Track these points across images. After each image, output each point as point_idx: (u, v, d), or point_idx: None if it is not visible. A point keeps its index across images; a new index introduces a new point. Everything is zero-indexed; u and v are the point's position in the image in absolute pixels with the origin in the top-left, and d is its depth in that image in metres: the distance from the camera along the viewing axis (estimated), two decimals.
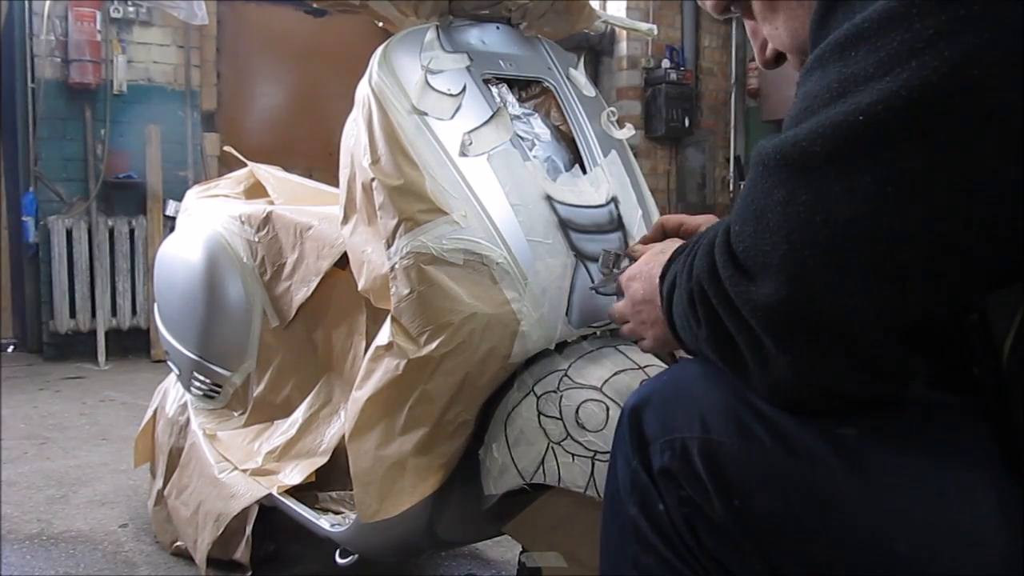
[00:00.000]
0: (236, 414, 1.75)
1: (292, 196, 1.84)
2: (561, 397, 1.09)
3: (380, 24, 1.37)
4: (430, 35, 1.24)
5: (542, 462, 1.07)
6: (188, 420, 1.80)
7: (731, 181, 5.66)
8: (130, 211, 4.17)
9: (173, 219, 2.04)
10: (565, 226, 1.17)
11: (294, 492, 1.47)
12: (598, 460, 1.03)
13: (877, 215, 0.54)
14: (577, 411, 1.07)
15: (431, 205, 1.12)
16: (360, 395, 1.18)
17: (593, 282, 1.16)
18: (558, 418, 1.08)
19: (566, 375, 1.12)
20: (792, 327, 0.59)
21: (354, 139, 1.23)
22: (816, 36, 0.61)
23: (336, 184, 1.31)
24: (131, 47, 4.15)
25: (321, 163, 4.12)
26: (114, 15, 4.06)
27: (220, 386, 1.75)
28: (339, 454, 1.42)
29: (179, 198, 2.10)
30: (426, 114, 1.17)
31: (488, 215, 1.13)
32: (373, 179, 1.16)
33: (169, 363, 1.92)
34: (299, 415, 1.58)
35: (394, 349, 1.14)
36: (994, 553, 0.57)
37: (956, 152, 0.52)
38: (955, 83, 0.51)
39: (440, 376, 1.11)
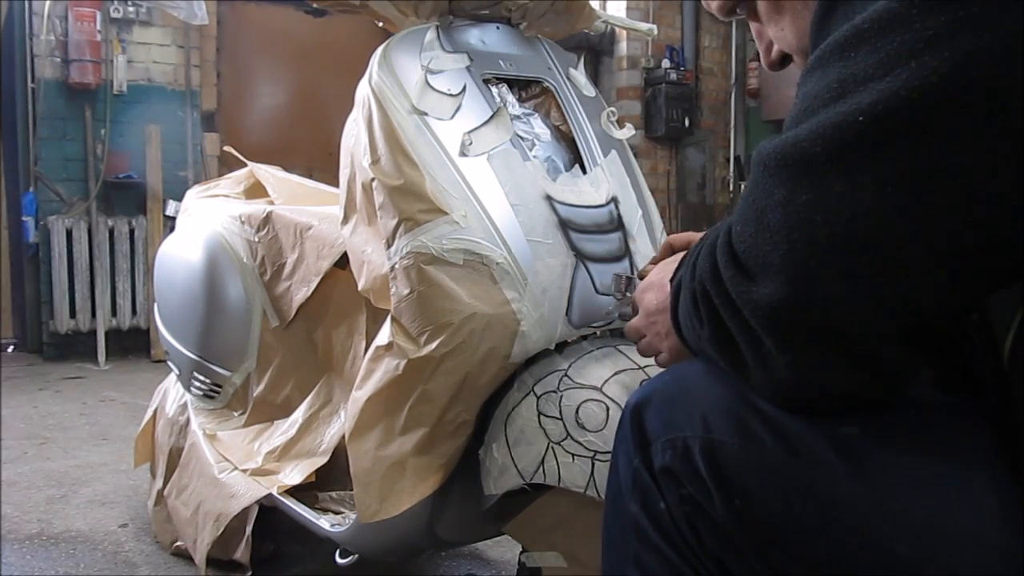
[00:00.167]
0: (236, 414, 1.75)
1: (292, 196, 1.84)
2: (561, 397, 1.09)
3: (380, 24, 1.37)
4: (430, 35, 1.24)
5: (542, 462, 1.07)
6: (188, 420, 1.80)
7: (731, 181, 5.67)
8: (130, 211, 4.17)
9: (173, 219, 2.04)
10: (565, 226, 1.17)
11: (294, 492, 1.47)
12: (598, 460, 1.03)
13: (877, 215, 0.54)
14: (577, 411, 1.07)
15: (431, 205, 1.12)
16: (360, 395, 1.18)
17: (594, 282, 1.16)
18: (558, 418, 1.08)
19: (566, 375, 1.12)
20: (793, 327, 0.59)
21: (354, 139, 1.23)
22: (816, 37, 0.61)
23: (336, 184, 1.31)
24: (131, 47, 4.15)
25: (321, 163, 4.12)
26: (114, 15, 4.06)
27: (220, 386, 1.75)
28: (339, 454, 1.42)
29: (179, 198, 2.10)
30: (426, 114, 1.17)
31: (488, 215, 1.13)
32: (373, 179, 1.16)
33: (169, 363, 1.92)
34: (299, 415, 1.58)
35: (394, 349, 1.14)
36: (994, 553, 0.57)
37: (956, 152, 0.52)
38: (955, 83, 0.51)
39: (440, 376, 1.11)
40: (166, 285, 1.91)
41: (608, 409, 1.07)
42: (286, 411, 1.63)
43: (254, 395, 1.70)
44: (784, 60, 0.79)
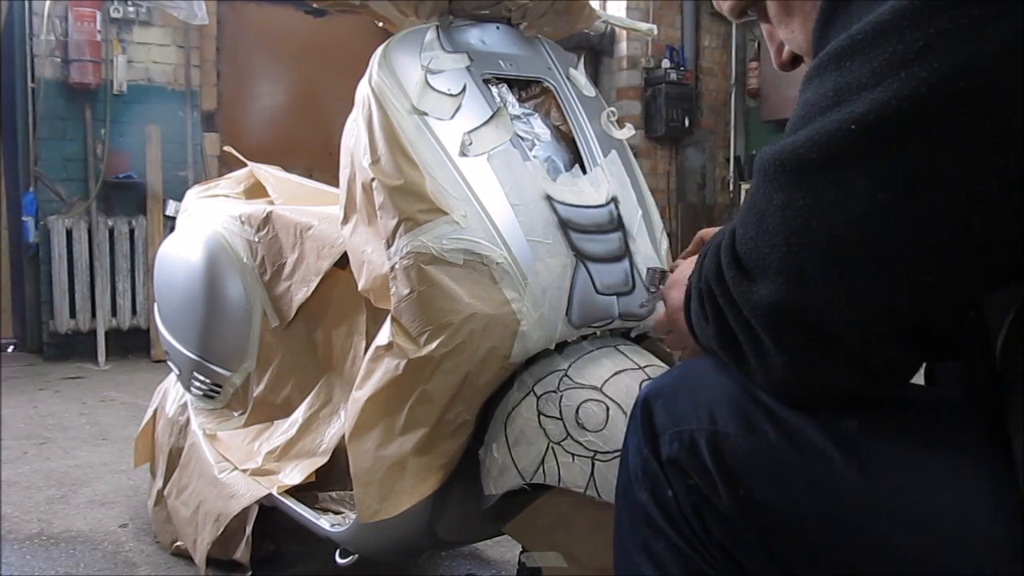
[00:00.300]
0: (236, 414, 1.75)
1: (292, 196, 1.84)
2: (561, 397, 1.09)
3: (380, 24, 1.37)
4: (430, 35, 1.24)
5: (542, 462, 1.07)
6: (188, 420, 1.80)
7: (731, 181, 5.67)
8: (130, 211, 4.17)
9: (173, 219, 2.04)
10: (565, 226, 1.17)
11: (294, 492, 1.47)
12: (598, 460, 1.03)
13: (870, 220, 0.56)
14: (577, 411, 1.07)
15: (431, 205, 1.12)
16: (360, 395, 1.18)
17: (594, 282, 1.16)
18: (558, 418, 1.08)
19: (566, 375, 1.12)
20: (790, 327, 0.61)
21: (354, 139, 1.23)
22: (817, 45, 0.64)
23: (336, 184, 1.31)
24: (131, 47, 4.15)
25: (321, 163, 4.12)
26: (114, 15, 4.06)
27: (220, 386, 1.75)
28: (339, 454, 1.42)
29: (179, 198, 2.10)
30: (426, 114, 1.17)
31: (488, 215, 1.13)
32: (373, 179, 1.16)
33: (169, 363, 1.92)
34: (299, 415, 1.58)
35: (394, 349, 1.14)
36: (987, 545, 0.59)
37: (944, 159, 0.54)
38: (943, 93, 0.53)
39: (440, 376, 1.11)
40: (166, 285, 1.91)
41: (608, 409, 1.07)
42: (286, 411, 1.63)
43: (254, 395, 1.70)
44: (795, 60, 0.81)
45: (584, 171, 1.26)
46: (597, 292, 1.17)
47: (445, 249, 1.11)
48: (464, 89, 1.20)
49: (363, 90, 1.22)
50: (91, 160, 4.04)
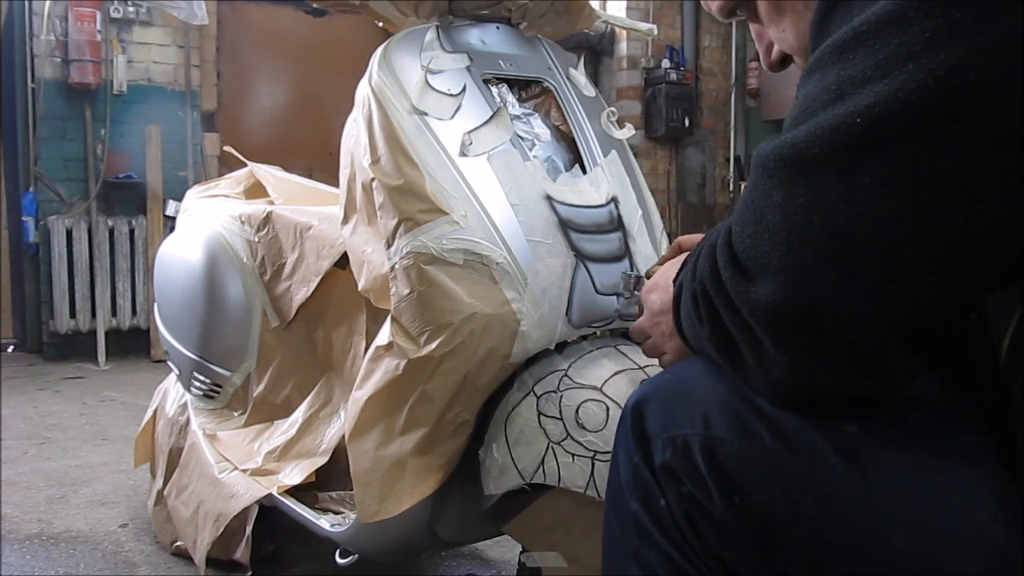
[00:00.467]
0: (236, 414, 1.75)
1: (292, 196, 1.84)
2: (561, 397, 1.09)
3: (380, 24, 1.37)
4: (430, 35, 1.24)
5: (542, 462, 1.07)
6: (188, 420, 1.80)
7: (731, 181, 5.67)
8: (130, 211, 4.17)
9: (173, 219, 2.04)
10: (565, 226, 1.17)
11: (294, 492, 1.47)
12: (598, 460, 1.03)
13: (875, 216, 0.54)
14: (577, 411, 1.07)
15: (431, 205, 1.12)
16: (360, 395, 1.18)
17: (594, 282, 1.16)
18: (558, 418, 1.08)
19: (566, 375, 1.12)
20: (791, 327, 0.60)
21: (354, 139, 1.23)
22: (816, 38, 0.61)
23: (336, 184, 1.31)
24: (131, 47, 4.15)
25: (321, 163, 4.12)
26: (114, 15, 4.06)
27: (220, 386, 1.75)
28: (339, 454, 1.42)
29: (179, 198, 2.10)
30: (426, 114, 1.17)
31: (488, 215, 1.13)
32: (373, 179, 1.16)
33: (169, 363, 1.92)
34: (299, 415, 1.58)
35: (394, 349, 1.14)
36: (990, 550, 0.58)
37: (952, 154, 0.52)
38: (951, 86, 0.51)
39: (440, 376, 1.11)
40: (166, 285, 1.91)
41: (608, 409, 1.07)
42: (286, 411, 1.63)
43: (254, 395, 1.70)
44: (784, 61, 0.80)
45: (584, 171, 1.26)
46: (597, 292, 1.17)
47: (445, 249, 1.10)
48: (464, 89, 1.20)
49: (363, 90, 1.22)
50: (91, 160, 4.04)
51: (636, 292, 1.05)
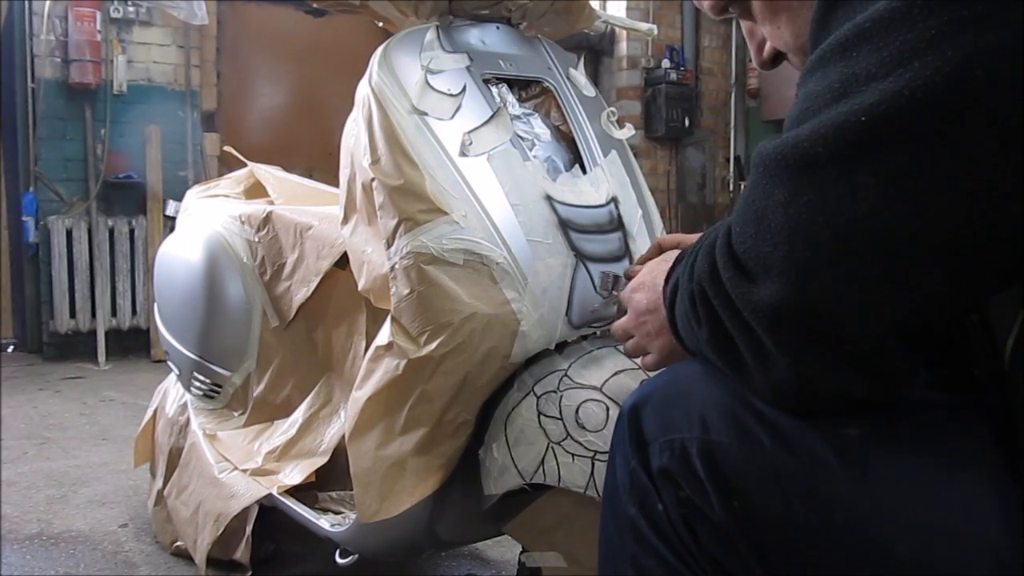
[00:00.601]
0: (236, 414, 1.75)
1: (292, 196, 1.84)
2: (561, 397, 1.09)
3: (380, 24, 1.37)
4: (430, 35, 1.24)
5: (542, 462, 1.07)
6: (188, 420, 1.80)
7: (731, 181, 5.66)
8: (130, 211, 4.17)
9: (173, 219, 2.04)
10: (565, 226, 1.17)
11: (294, 492, 1.47)
12: (598, 460, 1.03)
13: (879, 216, 0.54)
14: (577, 411, 1.07)
15: (431, 205, 1.12)
16: (360, 395, 1.18)
17: (594, 282, 1.16)
18: (558, 418, 1.08)
19: (566, 375, 1.12)
20: (793, 328, 0.59)
21: (354, 139, 1.23)
22: (817, 36, 0.61)
23: (336, 184, 1.31)
24: (131, 47, 4.15)
25: (321, 163, 4.12)
26: (114, 15, 4.06)
27: (220, 386, 1.75)
28: (339, 454, 1.42)
29: (179, 198, 2.10)
30: (426, 114, 1.17)
31: (488, 215, 1.13)
32: (373, 179, 1.16)
33: (169, 363, 1.92)
34: (299, 415, 1.58)
35: (394, 349, 1.14)
36: (993, 554, 0.57)
37: (959, 152, 0.52)
38: (958, 83, 0.50)
39: (440, 376, 1.11)
40: (166, 285, 1.91)
41: (608, 409, 1.07)
42: (286, 411, 1.63)
43: (254, 395, 1.70)
44: (776, 59, 0.79)
45: (584, 171, 1.26)
46: (597, 292, 1.17)
47: (445, 249, 1.10)
48: (464, 89, 1.20)
49: (363, 90, 1.22)
50: (91, 160, 4.04)
51: (615, 292, 1.04)
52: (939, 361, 0.64)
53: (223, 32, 4.46)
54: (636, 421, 0.71)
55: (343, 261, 1.44)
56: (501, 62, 1.28)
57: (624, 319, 0.89)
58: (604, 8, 4.82)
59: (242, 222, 1.69)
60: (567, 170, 1.26)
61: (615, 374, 1.12)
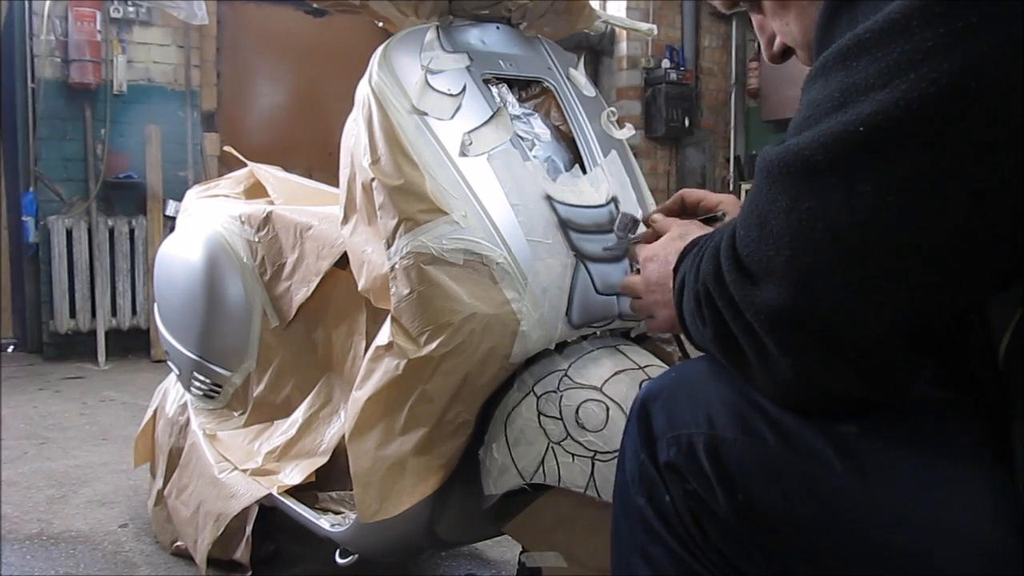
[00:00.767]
0: (236, 414, 1.75)
1: (292, 196, 1.84)
2: (561, 397, 1.09)
3: (380, 24, 1.37)
4: (430, 35, 1.24)
5: (542, 462, 1.07)
6: (188, 420, 1.80)
7: (731, 181, 5.67)
8: (130, 211, 4.17)
9: (173, 219, 2.04)
10: (565, 226, 1.17)
11: (294, 492, 1.47)
12: (598, 460, 1.03)
13: (878, 222, 0.55)
14: (577, 411, 1.07)
15: (431, 205, 1.12)
16: (360, 395, 1.18)
17: (594, 282, 1.16)
18: (558, 418, 1.08)
19: (566, 375, 1.12)
20: (794, 330, 0.61)
21: (354, 139, 1.23)
22: (820, 42, 0.62)
23: (336, 184, 1.31)
24: (131, 47, 4.15)
25: (321, 163, 4.12)
26: (114, 15, 4.06)
27: (220, 386, 1.75)
28: (339, 454, 1.42)
29: (179, 198, 2.10)
30: (426, 114, 1.17)
31: (488, 215, 1.13)
32: (373, 179, 1.16)
33: (169, 363, 1.92)
34: (299, 415, 1.58)
35: (394, 349, 1.14)
36: (989, 550, 0.58)
37: (953, 161, 0.53)
38: (953, 95, 0.52)
39: (440, 376, 1.11)
40: (166, 285, 1.91)
41: (608, 409, 1.07)
42: (286, 411, 1.63)
43: (254, 395, 1.70)
44: (786, 53, 0.80)
45: (584, 171, 1.26)
46: (597, 292, 1.17)
47: (445, 249, 1.10)
48: (464, 89, 1.20)
49: (363, 90, 1.22)
50: (91, 160, 4.04)
51: (629, 234, 1.06)
52: (938, 360, 0.65)
53: (223, 32, 4.46)
54: (646, 416, 0.73)
55: (343, 261, 1.44)
56: (501, 62, 1.28)
57: (635, 279, 0.93)
58: (604, 8, 4.82)
59: (242, 222, 1.69)
60: (567, 170, 1.26)
61: (615, 374, 1.12)
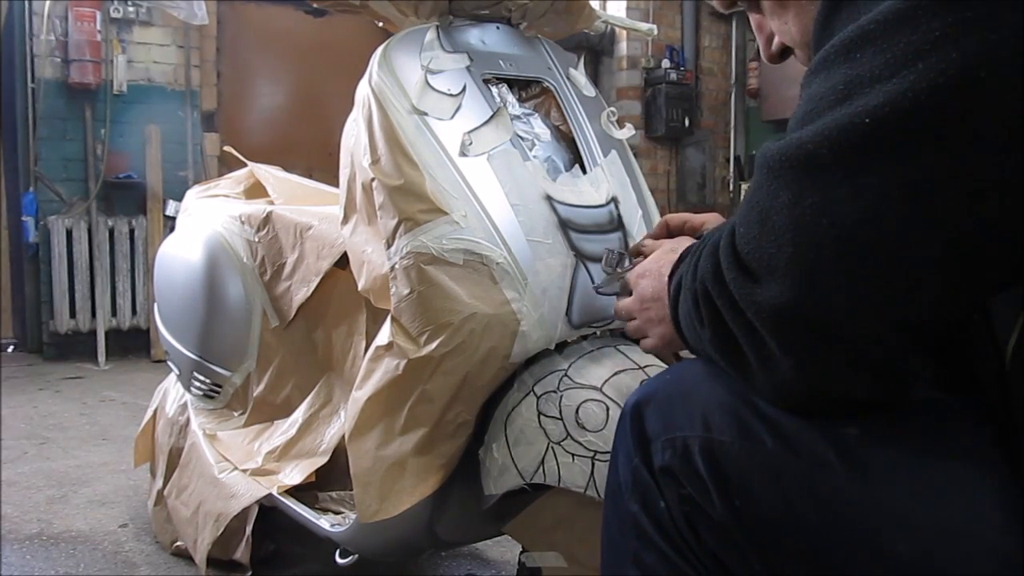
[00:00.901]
0: (236, 414, 1.75)
1: (292, 196, 1.84)
2: (561, 397, 1.09)
3: (380, 24, 1.37)
4: (430, 35, 1.24)
5: (542, 462, 1.07)
6: (188, 420, 1.80)
7: (731, 181, 5.67)
8: (130, 211, 4.17)
9: (173, 219, 2.05)
10: (565, 226, 1.17)
11: (294, 492, 1.47)
12: (598, 460, 1.03)
13: (884, 217, 0.54)
14: (577, 411, 1.07)
15: (431, 205, 1.12)
16: (360, 395, 1.18)
17: (594, 282, 1.16)
18: (558, 418, 1.08)
19: (566, 375, 1.12)
20: (797, 329, 0.59)
21: (354, 139, 1.23)
22: (820, 37, 0.61)
23: (336, 184, 1.31)
24: (131, 47, 4.15)
25: (321, 163, 4.11)
26: (114, 15, 4.06)
27: (220, 386, 1.75)
28: (339, 454, 1.42)
29: (179, 198, 2.10)
30: (426, 114, 1.17)
31: (488, 215, 1.13)
32: (373, 179, 1.16)
33: (169, 363, 1.92)
34: (299, 415, 1.58)
35: (394, 349, 1.14)
36: (994, 553, 0.57)
37: (962, 154, 0.52)
38: (961, 85, 0.51)
39: (440, 376, 1.11)
40: (166, 285, 1.91)
41: (608, 409, 1.07)
42: (286, 411, 1.63)
43: (254, 395, 1.70)
44: (784, 53, 0.79)
45: (584, 171, 1.26)
46: (597, 292, 1.17)
47: (445, 249, 1.10)
48: (464, 89, 1.20)
49: (363, 90, 1.22)
50: (91, 160, 4.04)
51: (617, 269, 1.05)
52: (940, 361, 0.64)
53: (223, 32, 4.46)
54: (639, 419, 0.72)
55: (343, 261, 1.44)
56: (501, 62, 1.28)
57: (629, 301, 0.91)
58: (604, 8, 4.82)
59: (242, 222, 1.69)
60: (567, 170, 1.26)
61: (615, 374, 1.12)
